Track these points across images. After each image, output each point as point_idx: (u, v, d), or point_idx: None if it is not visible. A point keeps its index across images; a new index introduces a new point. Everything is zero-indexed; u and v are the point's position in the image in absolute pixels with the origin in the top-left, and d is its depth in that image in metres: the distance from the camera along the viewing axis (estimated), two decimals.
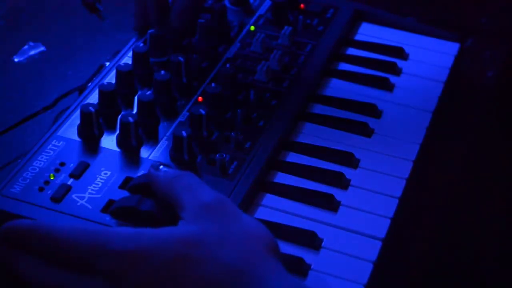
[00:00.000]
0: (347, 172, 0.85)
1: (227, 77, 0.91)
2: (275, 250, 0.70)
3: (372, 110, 0.93)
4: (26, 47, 1.08)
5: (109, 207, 0.77)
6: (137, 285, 0.66)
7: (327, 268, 0.76)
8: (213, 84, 0.89)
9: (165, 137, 0.86)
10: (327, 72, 0.99)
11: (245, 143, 0.86)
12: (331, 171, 0.85)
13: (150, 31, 0.95)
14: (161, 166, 0.75)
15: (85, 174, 0.80)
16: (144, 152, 0.84)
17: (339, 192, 0.84)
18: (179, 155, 0.83)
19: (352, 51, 1.02)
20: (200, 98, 0.91)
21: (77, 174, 0.80)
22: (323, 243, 0.78)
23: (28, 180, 0.79)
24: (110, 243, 0.67)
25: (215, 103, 0.88)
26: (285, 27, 1.00)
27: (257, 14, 1.04)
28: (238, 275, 0.66)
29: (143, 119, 0.86)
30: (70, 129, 0.86)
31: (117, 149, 0.84)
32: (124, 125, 0.83)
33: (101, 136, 0.85)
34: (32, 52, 1.07)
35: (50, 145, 0.84)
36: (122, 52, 0.96)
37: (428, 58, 1.02)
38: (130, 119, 0.83)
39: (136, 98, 0.88)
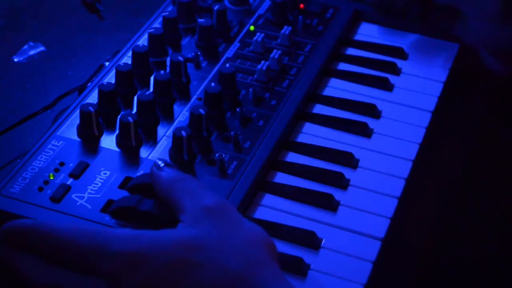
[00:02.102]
0: (347, 172, 0.85)
1: (227, 77, 0.91)
2: (274, 256, 0.70)
3: (372, 110, 0.93)
4: (26, 47, 1.08)
5: (108, 207, 0.77)
6: (136, 287, 0.66)
7: (326, 268, 0.76)
8: (213, 84, 0.89)
9: (165, 137, 0.86)
10: (327, 72, 0.98)
11: (245, 143, 0.86)
12: (330, 171, 0.85)
13: (149, 30, 0.95)
14: (162, 164, 0.75)
15: (84, 174, 0.81)
16: (144, 152, 0.84)
17: (339, 192, 0.84)
18: (179, 155, 0.83)
19: (352, 51, 1.02)
20: (199, 98, 0.91)
21: (76, 174, 0.80)
22: (322, 243, 0.78)
23: (27, 180, 0.79)
24: (110, 244, 0.67)
25: (215, 103, 0.88)
26: (285, 27, 1.00)
27: (256, 14, 1.04)
28: (237, 281, 0.66)
29: (143, 119, 0.86)
30: (69, 129, 0.86)
31: (116, 149, 0.84)
32: (124, 125, 0.83)
33: (101, 136, 0.85)
34: (32, 52, 1.07)
35: (50, 145, 0.84)
36: (122, 52, 0.96)
37: (427, 58, 1.02)
38: (130, 119, 0.83)
39: (135, 98, 0.88)
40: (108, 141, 0.85)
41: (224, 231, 0.69)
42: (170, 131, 0.86)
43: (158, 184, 0.74)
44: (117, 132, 0.85)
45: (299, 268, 0.76)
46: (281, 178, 0.85)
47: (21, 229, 0.70)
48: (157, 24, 1.00)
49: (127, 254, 0.66)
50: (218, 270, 0.66)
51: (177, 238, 0.68)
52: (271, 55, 0.95)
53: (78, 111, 0.86)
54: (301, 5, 1.05)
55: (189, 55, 0.96)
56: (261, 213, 0.81)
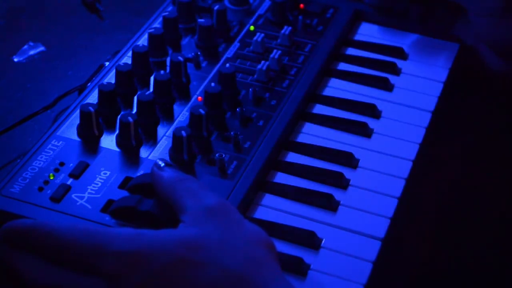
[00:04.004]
0: (347, 172, 0.85)
1: (227, 77, 0.91)
2: (274, 256, 0.70)
3: (372, 110, 0.93)
4: (26, 47, 1.08)
5: (108, 207, 0.77)
6: (136, 286, 0.66)
7: (326, 268, 0.76)
8: (213, 84, 0.89)
9: (165, 137, 0.86)
10: (327, 72, 0.99)
11: (245, 143, 0.86)
12: (330, 171, 0.85)
13: (149, 30, 0.95)
14: (162, 164, 0.75)
15: (84, 174, 0.81)
16: (144, 152, 0.84)
17: (339, 192, 0.84)
18: (179, 155, 0.83)
19: (352, 51, 1.02)
20: (199, 98, 0.91)
21: (76, 174, 0.80)
22: (322, 243, 0.78)
23: (27, 180, 0.79)
24: (110, 244, 0.67)
25: (215, 103, 0.88)
26: (285, 27, 1.00)
27: (257, 14, 1.04)
28: (238, 281, 0.66)
29: (143, 119, 0.86)
30: (69, 129, 0.86)
31: (116, 149, 0.84)
32: (124, 125, 0.83)
33: (101, 136, 0.85)
34: (32, 52, 1.07)
35: (50, 145, 0.84)
36: (122, 52, 0.96)
37: (427, 58, 1.02)
38: (130, 119, 0.83)
39: (135, 98, 0.88)
40: (108, 141, 0.85)
41: (225, 231, 0.69)
42: (170, 131, 0.86)
43: (159, 184, 0.74)
44: (117, 132, 0.85)
45: (299, 268, 0.76)
46: (281, 178, 0.85)
47: (21, 229, 0.70)
48: (157, 24, 1.00)
49: (128, 253, 0.66)
50: (219, 270, 0.66)
51: (178, 237, 0.68)
52: (271, 55, 0.95)
53: (78, 111, 0.86)
54: (301, 5, 1.05)
55: (189, 55, 0.96)
56: (261, 213, 0.81)
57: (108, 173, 0.81)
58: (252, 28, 1.01)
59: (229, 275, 0.66)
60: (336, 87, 0.97)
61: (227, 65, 0.93)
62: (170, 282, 0.66)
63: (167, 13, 0.98)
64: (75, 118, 0.87)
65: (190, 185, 0.73)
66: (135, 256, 0.66)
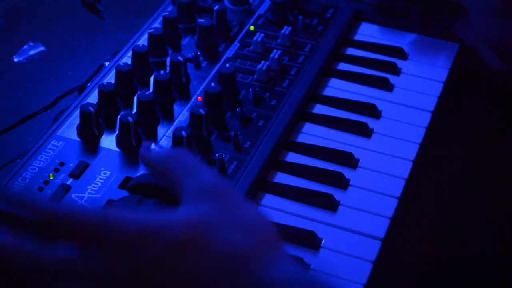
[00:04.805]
0: (347, 172, 0.85)
1: (227, 77, 0.91)
2: (278, 236, 0.69)
3: (372, 110, 0.93)
4: (26, 47, 1.08)
5: None
6: (143, 265, 0.65)
7: (326, 268, 0.76)
8: (213, 84, 0.89)
9: (165, 137, 0.86)
10: (327, 72, 0.98)
11: (245, 143, 0.86)
12: (330, 171, 0.85)
13: (149, 30, 0.95)
14: (152, 146, 0.74)
15: (84, 174, 0.81)
16: None
17: (339, 192, 0.84)
18: None
19: (352, 51, 1.02)
20: (199, 98, 0.91)
21: (76, 174, 0.80)
22: (322, 243, 0.78)
23: (27, 180, 0.80)
24: (117, 222, 0.65)
25: (215, 103, 0.89)
26: (285, 27, 1.00)
27: (256, 14, 1.04)
28: (245, 260, 0.65)
29: (143, 119, 0.86)
30: (69, 129, 0.86)
31: (116, 149, 0.84)
32: (124, 125, 0.83)
33: (101, 136, 0.85)
34: (32, 52, 1.07)
35: (50, 145, 0.84)
36: (122, 52, 0.96)
37: (427, 58, 1.02)
38: (130, 119, 0.83)
39: (135, 98, 0.88)
40: (108, 141, 0.85)
41: (229, 210, 0.67)
42: (170, 131, 0.86)
43: (149, 164, 0.72)
44: (117, 132, 0.85)
45: None
46: (281, 178, 0.85)
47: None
48: (157, 24, 1.00)
49: (134, 232, 0.64)
50: (225, 248, 0.65)
51: (184, 216, 0.66)
52: (271, 55, 0.95)
53: (78, 111, 0.86)
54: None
55: (189, 55, 0.96)
56: None
57: (108, 173, 0.81)
58: (252, 28, 1.01)
59: (235, 253, 0.65)
60: (336, 87, 0.97)
61: (227, 65, 0.93)
62: (177, 261, 0.65)
63: (167, 13, 0.98)
64: (75, 118, 0.87)
65: (184, 162, 0.71)
66: (142, 235, 0.64)
